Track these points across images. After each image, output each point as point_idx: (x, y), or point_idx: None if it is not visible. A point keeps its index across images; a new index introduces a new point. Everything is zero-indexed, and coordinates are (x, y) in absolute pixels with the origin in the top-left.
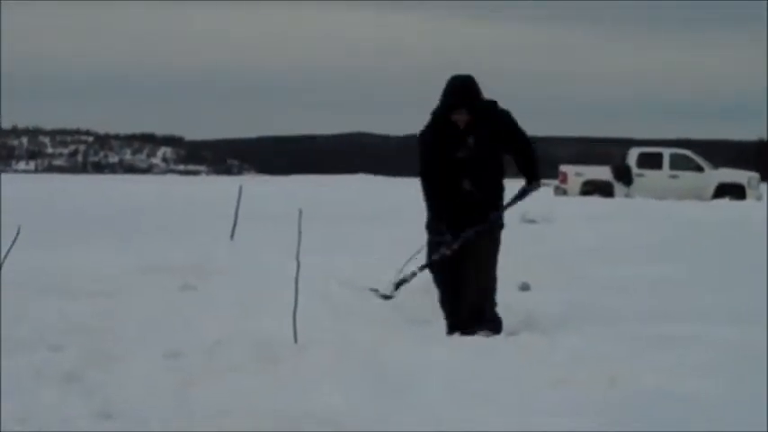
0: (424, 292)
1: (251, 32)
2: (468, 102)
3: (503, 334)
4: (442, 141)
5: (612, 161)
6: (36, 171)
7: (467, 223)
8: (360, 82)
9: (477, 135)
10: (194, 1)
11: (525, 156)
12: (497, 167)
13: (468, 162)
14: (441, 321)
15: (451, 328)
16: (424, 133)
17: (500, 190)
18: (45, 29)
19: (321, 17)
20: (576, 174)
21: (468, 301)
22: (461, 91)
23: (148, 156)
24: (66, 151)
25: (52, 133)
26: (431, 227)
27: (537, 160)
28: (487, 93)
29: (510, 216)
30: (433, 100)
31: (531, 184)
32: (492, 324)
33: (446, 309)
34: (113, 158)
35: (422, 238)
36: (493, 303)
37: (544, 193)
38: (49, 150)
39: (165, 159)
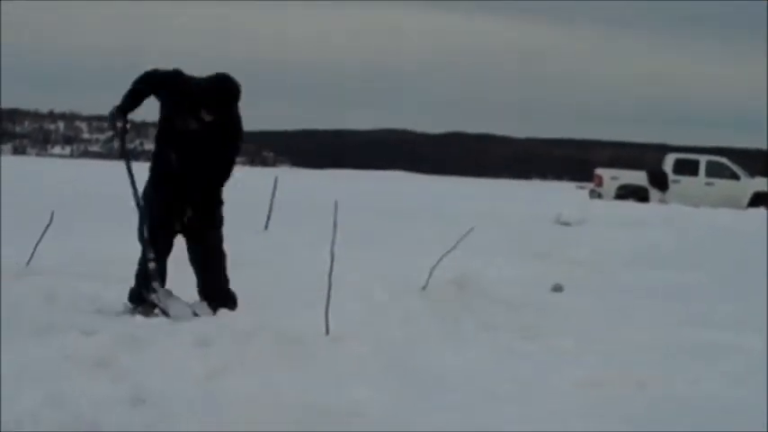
0: (457, 287)
1: (287, 28)
2: None
3: (533, 334)
4: None
5: (648, 166)
6: (71, 156)
7: None
8: (397, 78)
9: None
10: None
11: None
12: None
13: None
14: (472, 319)
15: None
16: None
17: None
18: (85, 21)
19: (363, 14)
20: (612, 177)
21: None
22: None
23: None
24: (102, 137)
25: (89, 119)
26: None
27: None
28: (525, 95)
29: (544, 217)
30: (471, 98)
31: None
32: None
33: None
34: (149, 146)
35: (456, 234)
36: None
37: (579, 195)
38: (86, 136)
39: None
